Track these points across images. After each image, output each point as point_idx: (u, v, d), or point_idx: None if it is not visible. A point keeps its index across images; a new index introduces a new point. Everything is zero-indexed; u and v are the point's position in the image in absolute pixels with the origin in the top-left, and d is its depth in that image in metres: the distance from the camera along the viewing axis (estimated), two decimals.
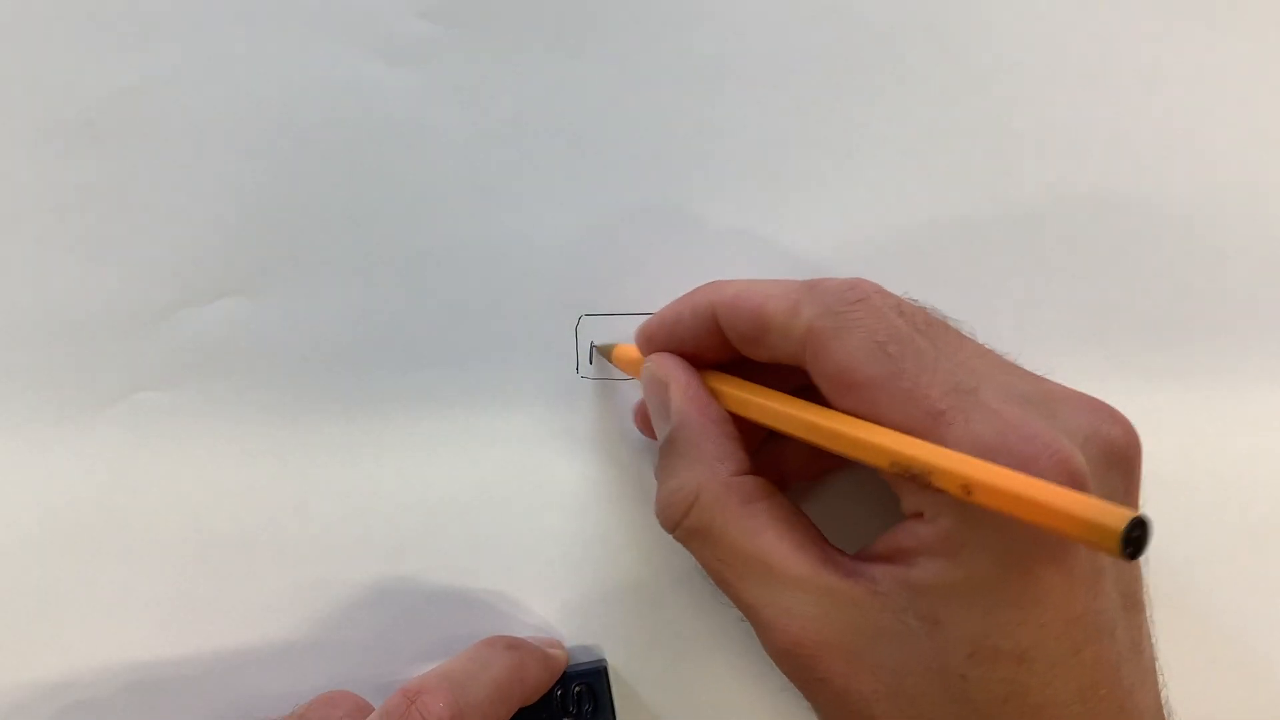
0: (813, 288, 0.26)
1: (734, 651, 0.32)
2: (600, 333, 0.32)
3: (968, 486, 0.22)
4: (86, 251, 0.32)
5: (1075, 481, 0.22)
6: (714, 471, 0.27)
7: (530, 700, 0.30)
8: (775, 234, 0.32)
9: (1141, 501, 0.26)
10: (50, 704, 0.31)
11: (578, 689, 0.30)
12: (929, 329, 0.26)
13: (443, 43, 0.32)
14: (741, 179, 0.32)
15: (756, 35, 0.32)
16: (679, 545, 0.32)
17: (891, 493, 0.25)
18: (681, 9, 0.32)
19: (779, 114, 0.32)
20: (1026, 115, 0.32)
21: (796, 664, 0.26)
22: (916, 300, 0.27)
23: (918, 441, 0.23)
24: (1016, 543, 0.23)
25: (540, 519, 0.32)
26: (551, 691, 0.30)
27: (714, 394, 0.28)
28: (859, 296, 0.25)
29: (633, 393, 0.32)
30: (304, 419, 0.32)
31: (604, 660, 0.32)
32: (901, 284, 0.32)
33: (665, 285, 0.32)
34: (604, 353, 0.32)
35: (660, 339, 0.30)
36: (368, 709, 0.29)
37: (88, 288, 0.32)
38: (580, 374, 0.32)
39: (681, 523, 0.27)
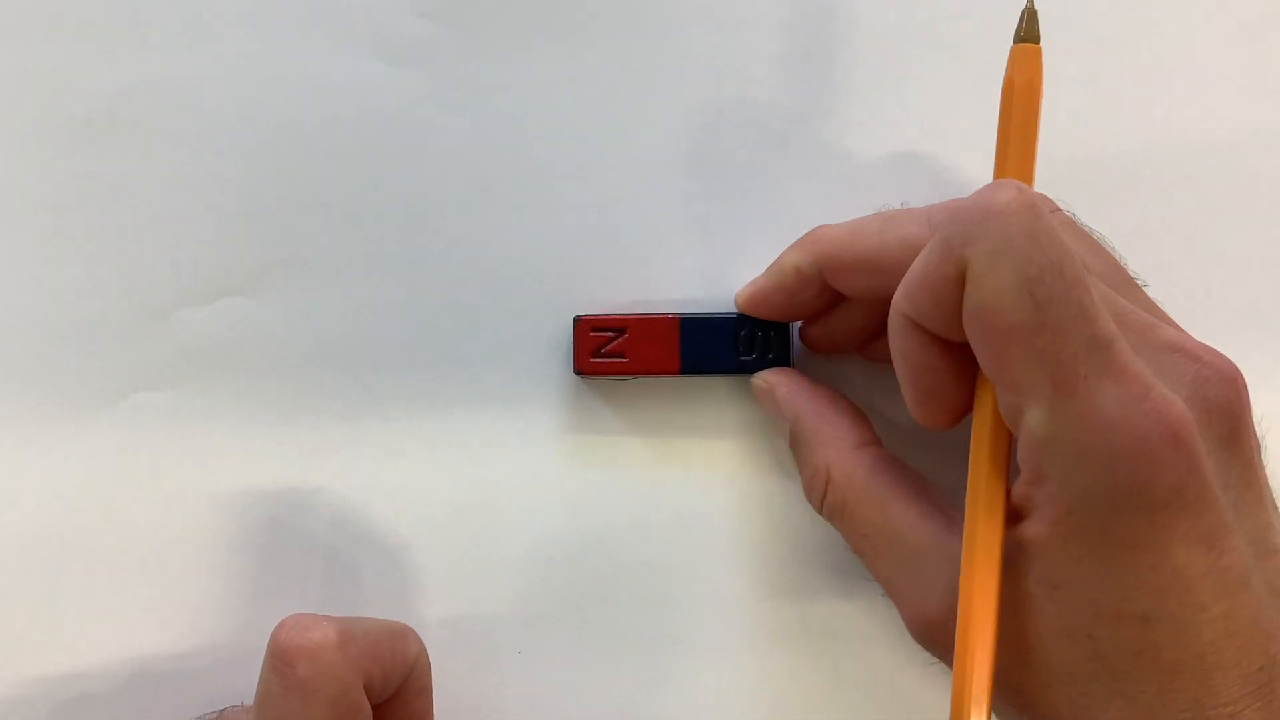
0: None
1: (733, 651, 0.32)
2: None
3: None
4: (86, 251, 0.32)
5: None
6: (837, 448, 0.28)
7: (396, 677, 0.27)
8: (775, 234, 0.32)
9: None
10: (50, 704, 0.31)
11: (760, 333, 0.31)
12: None
13: (443, 43, 0.32)
14: (741, 179, 0.32)
15: (756, 36, 0.32)
16: (679, 544, 0.32)
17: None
18: (681, 9, 0.32)
19: (779, 114, 0.32)
20: None
21: (929, 641, 0.26)
22: None
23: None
24: (1123, 510, 0.22)
25: (540, 519, 0.32)
26: (735, 331, 0.31)
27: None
28: None
29: (633, 393, 0.32)
30: (304, 419, 0.32)
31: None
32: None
33: (665, 285, 0.33)
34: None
35: (761, 307, 0.31)
36: None
37: (88, 288, 0.32)
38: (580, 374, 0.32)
39: (823, 505, 0.29)
